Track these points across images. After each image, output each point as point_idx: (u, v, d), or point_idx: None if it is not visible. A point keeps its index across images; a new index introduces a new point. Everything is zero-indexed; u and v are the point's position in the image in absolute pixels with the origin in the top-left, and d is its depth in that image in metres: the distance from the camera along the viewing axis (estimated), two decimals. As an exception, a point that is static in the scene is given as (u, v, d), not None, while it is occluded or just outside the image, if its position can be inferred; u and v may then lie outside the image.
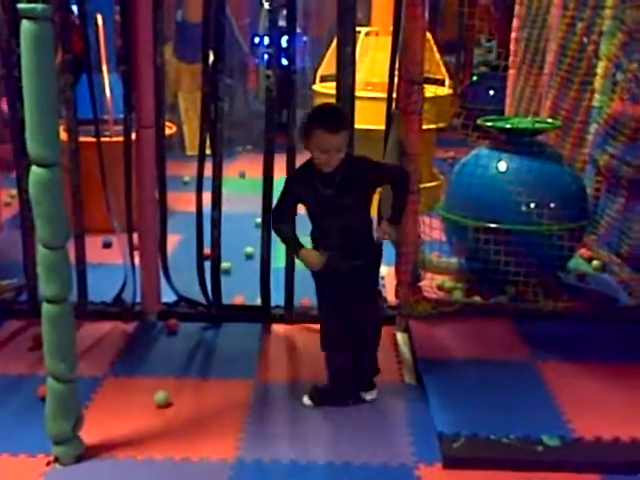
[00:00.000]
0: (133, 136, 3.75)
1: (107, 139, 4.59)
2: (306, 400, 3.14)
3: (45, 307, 2.55)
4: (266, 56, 3.78)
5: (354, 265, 2.96)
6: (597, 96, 4.76)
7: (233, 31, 8.26)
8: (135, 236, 3.88)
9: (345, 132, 2.84)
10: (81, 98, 3.73)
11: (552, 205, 3.98)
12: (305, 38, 10.37)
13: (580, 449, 2.77)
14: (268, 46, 3.74)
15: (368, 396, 3.16)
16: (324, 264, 2.95)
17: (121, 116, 3.87)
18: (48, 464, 2.70)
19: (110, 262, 4.42)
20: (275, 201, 3.15)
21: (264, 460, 2.75)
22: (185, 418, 3.02)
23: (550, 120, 4.74)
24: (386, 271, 4.18)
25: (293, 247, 3.01)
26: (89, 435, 2.78)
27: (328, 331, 3.09)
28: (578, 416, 2.94)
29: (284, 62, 3.81)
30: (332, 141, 2.80)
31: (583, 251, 4.69)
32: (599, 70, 4.74)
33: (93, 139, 3.83)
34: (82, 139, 3.77)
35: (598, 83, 4.76)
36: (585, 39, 4.92)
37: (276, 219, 3.07)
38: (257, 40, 9.04)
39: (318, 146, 2.82)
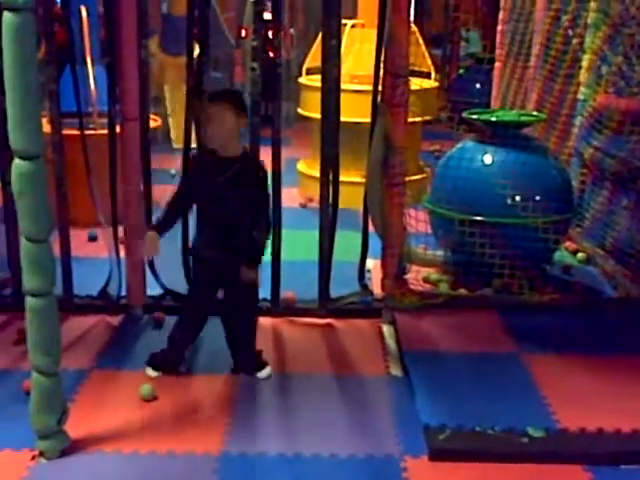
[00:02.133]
0: (118, 129, 3.73)
1: (91, 132, 4.57)
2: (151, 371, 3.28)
3: (29, 300, 2.54)
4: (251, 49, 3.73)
5: (228, 260, 3.08)
6: (582, 89, 4.78)
7: (219, 24, 8.23)
8: (120, 229, 3.86)
9: (226, 106, 2.98)
10: (65, 90, 3.71)
11: (537, 198, 3.99)
12: (292, 31, 10.35)
13: (565, 440, 2.79)
14: (254, 39, 3.71)
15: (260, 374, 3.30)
16: (151, 253, 3.21)
17: (105, 108, 3.85)
18: (33, 458, 2.68)
19: (95, 255, 4.40)
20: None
21: (249, 453, 2.75)
22: (170, 411, 3.02)
23: (536, 113, 4.75)
24: (372, 264, 4.20)
25: (157, 223, 3.17)
26: (74, 429, 2.77)
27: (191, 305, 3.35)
28: (563, 407, 2.96)
29: (270, 55, 3.79)
30: (213, 108, 3.00)
31: (568, 244, 4.72)
32: (584, 63, 4.76)
33: (77, 132, 3.80)
34: (66, 132, 3.75)
35: (583, 76, 4.77)
36: (570, 32, 4.93)
37: (173, 197, 3.19)
38: (243, 33, 9.01)
39: (205, 117, 3.03)
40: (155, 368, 3.28)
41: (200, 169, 3.13)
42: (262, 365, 3.31)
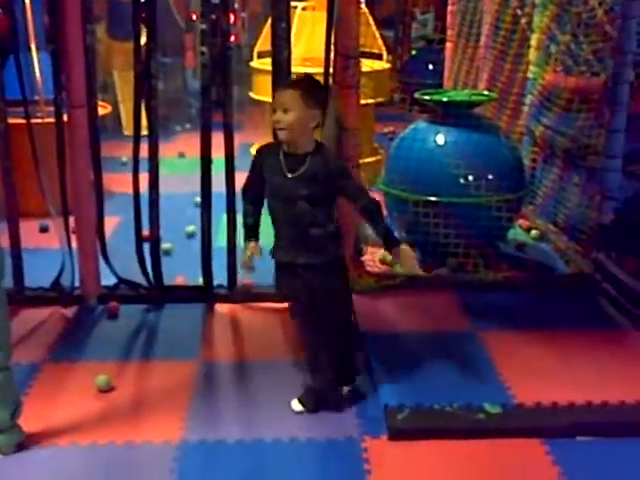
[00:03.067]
0: (65, 116, 3.66)
1: (38, 120, 4.48)
2: (296, 405, 2.93)
3: (-23, 294, 2.48)
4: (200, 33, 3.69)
5: (306, 261, 2.78)
6: (532, 68, 4.83)
7: (168, 7, 8.12)
8: (72, 219, 3.80)
9: (296, 94, 2.68)
10: (9, 78, 3.62)
11: (490, 177, 4.03)
12: (243, 14, 10.27)
13: (521, 415, 2.83)
14: (202, 22, 3.66)
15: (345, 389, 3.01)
16: (251, 268, 2.87)
17: (52, 96, 3.77)
18: (-13, 454, 2.64)
19: (47, 246, 4.32)
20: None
21: (209, 440, 2.74)
22: (128, 401, 2.99)
23: (487, 92, 4.79)
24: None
25: (245, 232, 2.89)
26: (29, 423, 2.73)
27: (304, 331, 2.94)
28: (518, 383, 3.00)
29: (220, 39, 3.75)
30: (279, 97, 2.71)
31: (522, 221, 4.78)
32: (533, 42, 4.81)
33: (24, 120, 3.72)
34: (12, 121, 3.66)
35: (532, 55, 4.83)
36: (519, 11, 4.97)
37: (243, 192, 2.92)
38: (194, 16, 8.92)
39: (272, 104, 2.72)
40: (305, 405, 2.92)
41: (265, 162, 2.80)
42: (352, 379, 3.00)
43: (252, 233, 2.89)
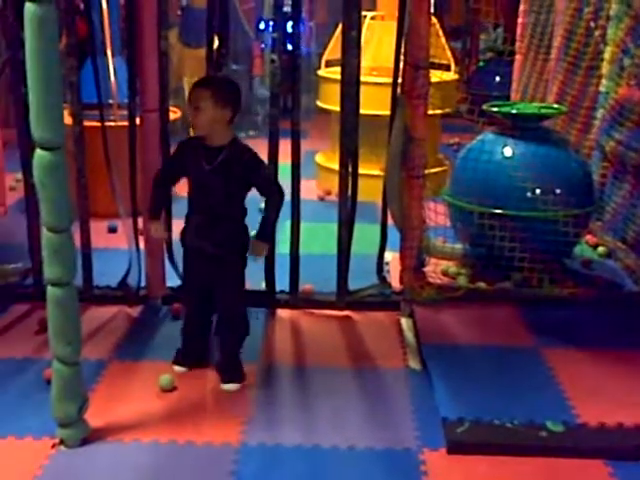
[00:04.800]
0: (138, 120, 3.75)
1: (112, 123, 4.59)
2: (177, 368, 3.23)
3: (50, 290, 2.56)
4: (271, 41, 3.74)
5: (214, 251, 3.04)
6: (604, 81, 4.73)
7: (238, 16, 8.22)
8: (140, 220, 3.88)
9: (206, 94, 2.90)
10: (86, 82, 3.73)
11: (558, 191, 3.97)
12: (311, 23, 10.35)
13: (584, 435, 2.77)
14: (273, 31, 3.71)
15: (225, 387, 3.14)
16: (160, 237, 3.24)
17: (126, 100, 3.87)
18: (53, 446, 2.71)
19: (115, 246, 4.43)
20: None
21: (268, 444, 2.76)
22: (189, 402, 3.04)
23: (556, 106, 4.72)
24: (391, 256, 4.19)
25: (150, 212, 3.18)
26: (94, 418, 2.80)
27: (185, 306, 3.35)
28: (582, 402, 2.94)
29: (289, 47, 3.79)
30: (192, 96, 2.95)
31: (589, 237, 4.69)
32: (606, 55, 4.71)
33: (98, 123, 3.82)
34: (87, 123, 3.77)
35: (605, 68, 4.73)
36: (592, 24, 4.89)
37: (156, 179, 3.20)
38: (262, 25, 9.02)
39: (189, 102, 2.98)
40: (178, 363, 3.25)
41: (186, 154, 3.07)
42: (236, 378, 3.16)
43: (155, 214, 3.17)
